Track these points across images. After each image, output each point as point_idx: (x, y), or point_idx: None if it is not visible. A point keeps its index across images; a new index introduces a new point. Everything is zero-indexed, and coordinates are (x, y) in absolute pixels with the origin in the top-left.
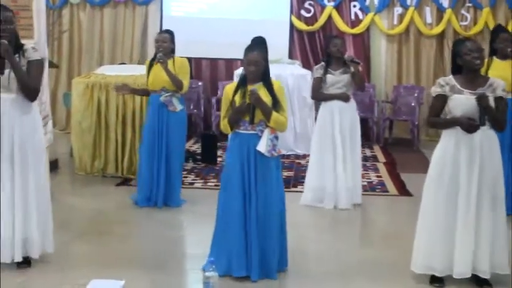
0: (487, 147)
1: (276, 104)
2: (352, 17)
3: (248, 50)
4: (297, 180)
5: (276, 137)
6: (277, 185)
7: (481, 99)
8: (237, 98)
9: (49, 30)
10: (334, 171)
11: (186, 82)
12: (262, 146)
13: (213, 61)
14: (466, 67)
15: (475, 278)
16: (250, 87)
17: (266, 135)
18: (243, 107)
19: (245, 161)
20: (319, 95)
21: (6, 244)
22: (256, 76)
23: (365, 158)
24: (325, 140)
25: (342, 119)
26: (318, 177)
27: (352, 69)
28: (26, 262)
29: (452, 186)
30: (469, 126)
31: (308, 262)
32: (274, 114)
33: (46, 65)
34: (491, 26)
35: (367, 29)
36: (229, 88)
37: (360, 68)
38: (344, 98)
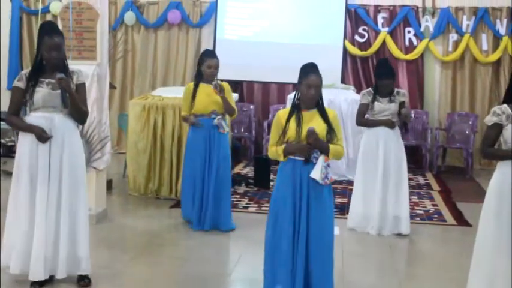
0: None
1: (331, 132)
2: (407, 43)
3: (308, 73)
4: (349, 206)
5: (328, 165)
6: (329, 213)
7: None
8: (292, 125)
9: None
10: (376, 198)
11: (236, 107)
12: (317, 174)
13: (265, 85)
14: None
15: None
16: (307, 127)
17: (320, 163)
18: (302, 148)
19: (297, 188)
20: (364, 121)
21: (46, 262)
22: (315, 100)
23: (419, 186)
24: (368, 166)
25: (386, 145)
26: (361, 203)
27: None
28: (85, 280)
29: (511, 218)
30: None
31: None
32: (332, 148)
33: (107, 86)
34: None
35: (422, 55)
36: (282, 114)
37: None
38: (389, 124)
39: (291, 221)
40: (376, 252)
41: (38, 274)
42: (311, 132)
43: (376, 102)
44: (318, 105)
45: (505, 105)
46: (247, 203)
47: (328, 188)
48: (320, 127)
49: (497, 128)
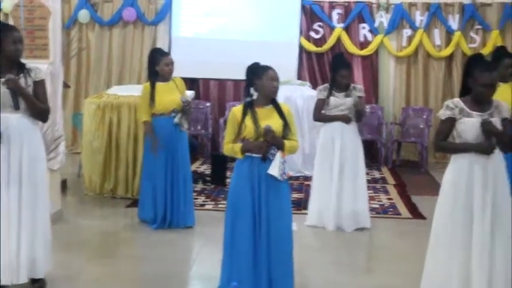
0: (498, 170)
1: (287, 128)
2: (361, 38)
3: (265, 68)
4: (307, 202)
5: (285, 161)
6: (288, 208)
7: (485, 125)
8: (248, 122)
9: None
10: (333, 193)
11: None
12: (275, 170)
13: (221, 82)
14: (477, 97)
15: None
16: (264, 124)
17: (278, 159)
18: (259, 145)
19: (256, 185)
20: (321, 116)
21: (12, 266)
22: (277, 93)
23: (374, 180)
24: (326, 161)
25: (343, 140)
26: (319, 199)
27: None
28: (39, 283)
29: (467, 209)
30: (487, 149)
31: None
32: (287, 143)
33: (61, 85)
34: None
35: (376, 51)
36: (237, 111)
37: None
38: (345, 119)
39: (251, 218)
40: (334, 247)
41: (8, 278)
42: (268, 130)
43: (332, 97)
44: (274, 101)
45: (458, 99)
46: (204, 201)
47: (286, 184)
48: (277, 123)
49: (450, 122)
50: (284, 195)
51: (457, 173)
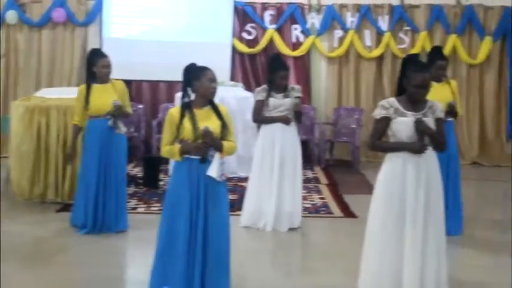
0: (431, 168)
1: (225, 129)
2: (293, 39)
3: (203, 69)
4: (241, 203)
5: (223, 162)
6: (226, 209)
7: (418, 124)
8: (186, 124)
9: None
10: (272, 194)
11: (130, 109)
12: (214, 171)
13: (154, 83)
14: (410, 97)
15: None
16: (202, 125)
17: (217, 161)
18: (198, 147)
19: (195, 187)
20: (260, 118)
21: None
22: (215, 94)
23: (307, 180)
24: (265, 162)
25: (283, 142)
26: (256, 200)
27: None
28: None
29: (400, 207)
30: (419, 149)
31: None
32: (226, 144)
33: None
34: (428, 48)
35: (308, 52)
36: (174, 112)
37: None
38: (285, 120)
39: (188, 221)
40: (270, 247)
41: None
42: (207, 132)
43: (270, 98)
44: (211, 102)
45: (393, 99)
46: (136, 204)
47: (224, 185)
48: (215, 124)
49: (385, 121)
50: (222, 197)
51: (391, 172)
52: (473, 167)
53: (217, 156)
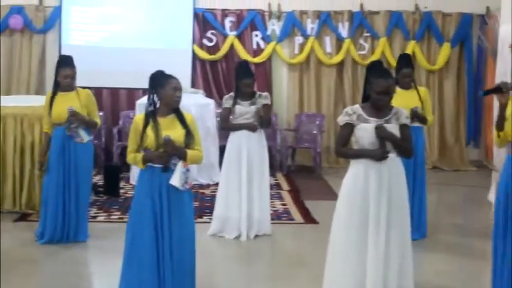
0: (394, 174)
1: (189, 137)
2: (254, 46)
3: (168, 77)
4: (201, 210)
5: (188, 170)
6: (190, 218)
7: (379, 131)
8: (150, 132)
9: None
10: (240, 201)
11: (98, 119)
12: (176, 180)
13: (114, 90)
14: (373, 103)
15: None
16: (166, 133)
17: (179, 169)
18: (160, 156)
19: (157, 196)
20: (227, 125)
21: None
22: (180, 103)
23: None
24: (232, 169)
25: (249, 149)
26: (225, 207)
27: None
28: None
29: (362, 214)
30: (380, 156)
31: None
32: (190, 153)
33: None
34: (388, 54)
35: (269, 58)
36: (139, 120)
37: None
38: (251, 128)
39: (152, 229)
40: (238, 255)
41: None
42: (167, 141)
43: (237, 106)
44: (177, 111)
45: (357, 105)
46: (95, 212)
47: (188, 193)
48: (178, 132)
49: (349, 128)
50: (186, 205)
51: (354, 178)
52: (434, 172)
53: (180, 165)
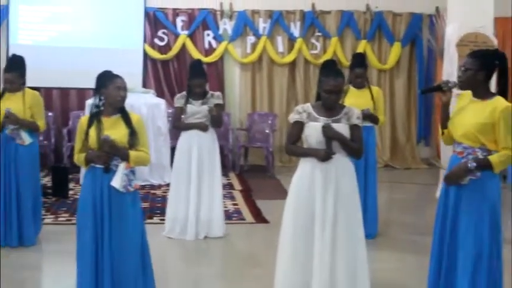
0: (342, 174)
1: (134, 138)
2: (206, 45)
3: (113, 76)
4: (152, 211)
5: (133, 172)
6: (134, 221)
7: (325, 130)
8: (92, 133)
9: None
10: (191, 202)
11: (42, 122)
12: (117, 182)
13: (64, 91)
14: (323, 102)
15: None
16: (109, 133)
17: (121, 171)
18: (100, 156)
19: (98, 197)
20: (178, 125)
21: None
22: (124, 102)
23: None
24: (183, 170)
25: (200, 149)
26: (175, 208)
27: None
28: None
29: (308, 214)
30: (323, 157)
31: None
32: (133, 154)
33: None
34: (340, 54)
35: (221, 58)
36: (84, 120)
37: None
38: (202, 127)
39: (93, 231)
40: (191, 256)
41: None
42: (105, 141)
43: (189, 105)
44: (122, 111)
45: (308, 104)
46: (43, 215)
47: (133, 196)
48: (121, 133)
49: (299, 126)
50: (129, 208)
51: (300, 178)
52: (386, 170)
53: (122, 166)
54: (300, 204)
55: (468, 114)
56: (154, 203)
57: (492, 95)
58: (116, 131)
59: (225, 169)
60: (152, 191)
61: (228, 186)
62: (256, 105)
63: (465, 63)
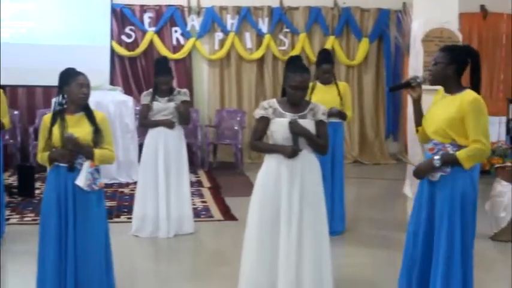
0: (307, 170)
1: (98, 135)
2: (174, 42)
3: (75, 74)
4: (119, 210)
5: (97, 170)
6: (98, 220)
7: (292, 126)
8: (56, 131)
9: None
10: (158, 200)
11: (6, 119)
12: (81, 180)
13: (30, 89)
14: (288, 98)
15: None
16: (72, 131)
17: (85, 169)
18: (63, 154)
19: (63, 196)
20: (145, 122)
21: None
22: (87, 100)
23: (190, 184)
24: (150, 167)
25: (167, 146)
26: (143, 206)
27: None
28: None
29: (274, 210)
30: (290, 153)
31: None
32: (97, 152)
33: None
34: (308, 50)
35: (189, 54)
36: (47, 118)
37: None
38: (168, 124)
39: (57, 230)
40: (159, 254)
41: None
42: (68, 139)
43: (155, 102)
44: (86, 108)
45: (274, 100)
46: (9, 215)
47: (98, 194)
48: (86, 130)
49: (264, 121)
50: (94, 207)
51: (266, 174)
52: (355, 166)
53: (86, 165)
54: (266, 201)
55: (439, 110)
56: (121, 202)
57: (462, 88)
58: (80, 129)
59: (194, 166)
60: (120, 189)
61: (197, 184)
62: (225, 101)
63: (436, 57)
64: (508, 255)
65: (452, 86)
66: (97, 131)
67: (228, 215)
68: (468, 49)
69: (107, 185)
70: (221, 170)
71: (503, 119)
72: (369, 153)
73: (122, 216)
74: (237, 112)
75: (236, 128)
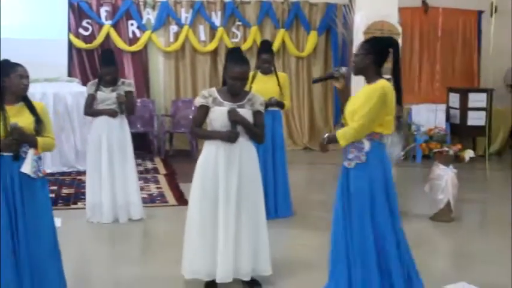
0: (245, 156)
1: (39, 124)
2: (130, 35)
3: (14, 65)
4: (77, 197)
5: (40, 158)
6: (45, 205)
7: (231, 114)
8: None
9: None
10: (105, 187)
11: None
12: (27, 168)
13: None
14: (228, 88)
15: (249, 281)
16: (13, 121)
17: (30, 157)
18: (8, 143)
19: (9, 185)
20: (89, 111)
21: None
22: (27, 90)
23: (146, 171)
24: (95, 156)
25: (110, 134)
26: (93, 193)
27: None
28: None
29: (213, 194)
30: (229, 137)
31: (87, 283)
32: (40, 140)
33: None
34: (259, 42)
35: (145, 47)
36: None
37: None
38: (111, 114)
39: (7, 220)
40: (110, 240)
41: None
42: (14, 128)
43: (99, 92)
44: (25, 99)
45: (214, 89)
46: None
47: (42, 181)
48: (27, 120)
49: (204, 109)
50: (40, 193)
51: (205, 158)
52: (305, 152)
53: (31, 153)
54: (206, 186)
55: (355, 98)
56: (79, 189)
57: (379, 78)
58: (21, 118)
59: (151, 154)
60: (78, 177)
61: (153, 171)
62: (180, 92)
63: (357, 48)
64: (446, 234)
65: (371, 76)
66: (38, 121)
67: (181, 199)
68: (388, 40)
69: (66, 173)
70: (177, 157)
71: (441, 106)
72: (318, 140)
73: (79, 203)
74: (192, 102)
75: (191, 117)
